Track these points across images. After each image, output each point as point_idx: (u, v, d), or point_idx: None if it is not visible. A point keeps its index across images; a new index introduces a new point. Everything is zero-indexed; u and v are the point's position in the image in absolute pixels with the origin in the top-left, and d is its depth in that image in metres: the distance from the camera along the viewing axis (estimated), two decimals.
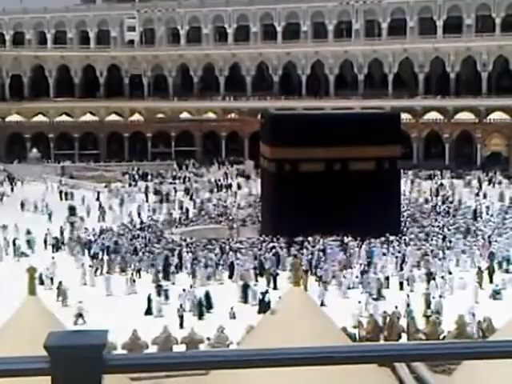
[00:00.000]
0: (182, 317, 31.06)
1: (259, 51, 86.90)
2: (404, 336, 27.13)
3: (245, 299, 34.69)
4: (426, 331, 26.80)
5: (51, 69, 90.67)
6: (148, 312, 32.91)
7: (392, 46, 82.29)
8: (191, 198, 61.67)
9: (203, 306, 32.97)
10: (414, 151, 77.36)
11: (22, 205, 58.52)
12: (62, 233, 47.41)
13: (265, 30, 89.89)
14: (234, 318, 31.28)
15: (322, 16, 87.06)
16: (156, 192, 63.76)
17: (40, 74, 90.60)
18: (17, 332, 10.06)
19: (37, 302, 11.00)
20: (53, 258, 40.83)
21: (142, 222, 51.06)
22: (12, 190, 68.40)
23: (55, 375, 2.07)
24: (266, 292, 33.57)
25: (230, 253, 40.97)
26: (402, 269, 38.14)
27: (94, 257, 41.26)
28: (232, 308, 32.17)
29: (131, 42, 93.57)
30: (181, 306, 32.01)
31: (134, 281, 36.89)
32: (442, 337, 26.13)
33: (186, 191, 64.71)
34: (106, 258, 40.91)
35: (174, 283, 37.01)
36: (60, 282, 35.22)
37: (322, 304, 31.20)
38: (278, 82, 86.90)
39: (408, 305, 31.16)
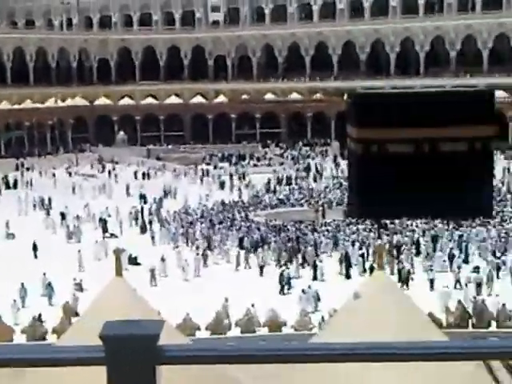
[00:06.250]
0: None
1: (345, 29, 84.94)
2: (493, 324, 26.26)
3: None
4: None
5: (137, 51, 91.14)
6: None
7: (487, 21, 78.86)
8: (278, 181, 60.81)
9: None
10: (510, 131, 74.24)
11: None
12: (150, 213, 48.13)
13: (352, 6, 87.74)
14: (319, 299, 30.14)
15: None
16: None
17: (126, 56, 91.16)
18: (103, 313, 9.69)
19: (123, 283, 10.79)
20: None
21: (223, 203, 50.34)
22: (109, 174, 66.91)
23: (110, 365, 2.08)
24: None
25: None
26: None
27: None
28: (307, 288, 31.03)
29: (215, 22, 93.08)
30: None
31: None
32: None
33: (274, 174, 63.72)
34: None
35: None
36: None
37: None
38: (365, 60, 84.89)
39: None
